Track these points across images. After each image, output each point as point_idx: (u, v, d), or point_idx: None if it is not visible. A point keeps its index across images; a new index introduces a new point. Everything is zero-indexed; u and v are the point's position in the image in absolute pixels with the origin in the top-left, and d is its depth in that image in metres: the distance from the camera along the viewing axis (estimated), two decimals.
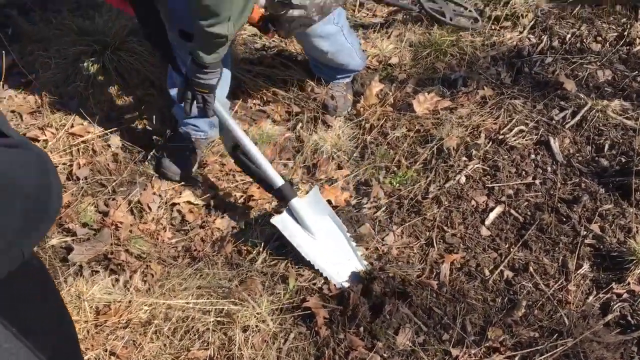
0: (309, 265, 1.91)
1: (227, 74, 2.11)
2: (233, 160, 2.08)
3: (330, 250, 1.93)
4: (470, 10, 2.81)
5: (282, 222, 1.92)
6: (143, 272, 1.98)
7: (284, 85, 2.54)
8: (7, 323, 0.81)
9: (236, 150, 1.99)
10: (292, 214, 1.94)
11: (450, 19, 2.70)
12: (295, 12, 1.86)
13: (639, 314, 1.74)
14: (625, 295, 1.78)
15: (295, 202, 1.93)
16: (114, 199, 2.18)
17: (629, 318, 1.73)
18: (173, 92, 2.17)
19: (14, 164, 0.68)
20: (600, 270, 1.86)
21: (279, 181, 1.92)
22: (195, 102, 1.92)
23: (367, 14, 2.97)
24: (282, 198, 1.97)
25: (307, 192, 2.15)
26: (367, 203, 2.15)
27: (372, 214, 2.10)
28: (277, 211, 2.06)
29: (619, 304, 1.76)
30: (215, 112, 1.95)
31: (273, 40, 2.69)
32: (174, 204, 2.20)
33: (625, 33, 2.66)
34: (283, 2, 1.85)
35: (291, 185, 1.98)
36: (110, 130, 2.35)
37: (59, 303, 1.03)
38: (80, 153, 2.29)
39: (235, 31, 1.75)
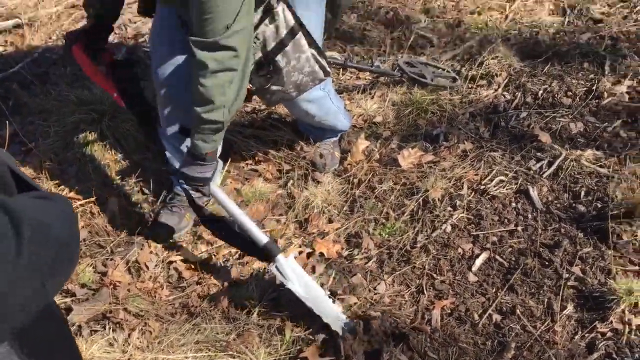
0: (306, 313, 1.96)
1: None
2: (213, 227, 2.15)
3: (324, 298, 1.98)
4: (448, 71, 2.98)
5: (279, 268, 1.96)
6: (141, 330, 2.02)
7: (275, 146, 2.66)
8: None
9: (211, 222, 2.09)
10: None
11: (431, 80, 2.87)
12: (274, 87, 2.00)
13: (624, 352, 1.80)
14: (609, 334, 1.85)
15: (281, 258, 1.99)
16: (112, 259, 2.24)
17: (614, 356, 1.80)
18: (168, 155, 2.28)
19: (50, 215, 0.77)
20: (584, 311, 1.93)
21: (263, 238, 1.96)
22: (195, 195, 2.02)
23: (351, 77, 3.14)
24: (270, 253, 1.98)
25: (299, 246, 2.24)
26: (358, 254, 2.23)
27: (364, 264, 2.18)
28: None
29: (604, 342, 1.83)
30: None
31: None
32: (170, 262, 2.27)
33: (594, 87, 2.84)
34: (266, 76, 1.98)
35: (275, 243, 2.03)
36: (108, 193, 2.44)
37: (77, 353, 1.09)
38: (79, 216, 2.36)
39: (231, 116, 1.86)
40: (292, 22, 1.91)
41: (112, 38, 3.19)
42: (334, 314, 1.95)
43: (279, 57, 1.94)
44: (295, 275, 1.97)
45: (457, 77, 2.97)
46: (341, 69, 3.14)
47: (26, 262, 0.69)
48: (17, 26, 3.22)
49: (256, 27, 1.87)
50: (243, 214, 2.00)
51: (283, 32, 1.91)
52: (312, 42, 1.96)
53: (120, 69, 2.13)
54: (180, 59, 2.07)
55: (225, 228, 2.07)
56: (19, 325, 0.72)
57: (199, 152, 1.91)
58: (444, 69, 2.99)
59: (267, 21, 1.90)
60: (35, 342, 0.88)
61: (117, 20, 2.15)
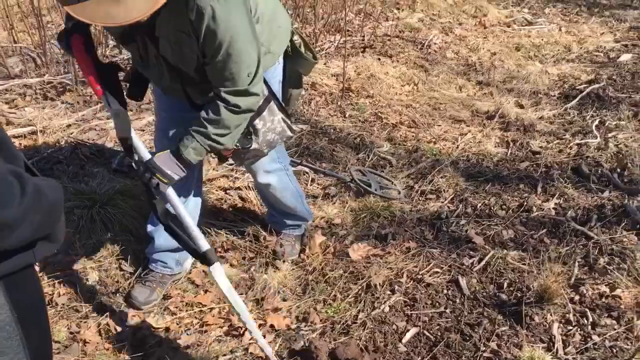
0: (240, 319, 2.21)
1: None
2: (164, 227, 2.22)
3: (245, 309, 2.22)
4: (394, 184, 3.43)
5: (215, 272, 2.15)
6: None
7: (242, 236, 3.02)
8: (14, 307, 1.19)
9: (167, 219, 2.17)
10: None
11: (376, 190, 3.31)
12: (252, 146, 2.35)
13: None
14: None
15: (218, 267, 2.16)
16: (85, 322, 2.51)
17: None
18: (150, 229, 2.64)
19: (45, 186, 1.14)
20: None
21: (204, 245, 2.15)
22: (147, 183, 2.13)
23: (317, 187, 3.57)
24: (207, 260, 2.15)
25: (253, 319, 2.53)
26: (304, 327, 2.51)
27: (308, 334, 2.45)
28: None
29: None
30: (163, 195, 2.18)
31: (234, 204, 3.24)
32: (137, 328, 2.53)
33: (525, 203, 3.27)
34: (247, 137, 2.35)
35: (214, 251, 2.23)
36: (91, 267, 2.76)
37: (45, 315, 1.38)
38: (62, 285, 2.66)
39: (232, 145, 2.20)
40: (266, 92, 2.30)
41: (114, 145, 3.69)
42: (250, 322, 2.20)
43: (257, 121, 2.30)
44: (224, 280, 2.18)
45: (400, 190, 3.40)
46: (309, 180, 3.58)
47: (28, 205, 1.05)
48: (32, 132, 3.72)
49: None
50: (190, 219, 2.17)
51: (260, 100, 2.27)
52: (280, 107, 2.38)
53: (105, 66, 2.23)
54: (175, 123, 2.40)
55: (175, 224, 2.17)
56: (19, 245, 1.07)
57: (184, 156, 2.10)
58: (390, 181, 3.44)
59: None
60: (17, 291, 1.21)
61: None
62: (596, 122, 4.22)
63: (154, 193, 2.15)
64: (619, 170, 3.52)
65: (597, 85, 4.90)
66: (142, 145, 2.17)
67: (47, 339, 1.40)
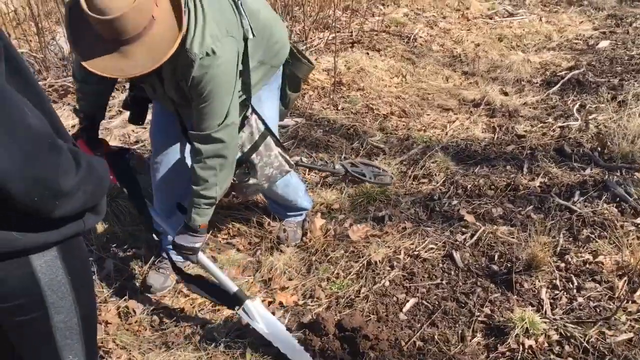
0: (265, 344, 2.38)
1: None
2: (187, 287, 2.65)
3: (284, 333, 2.41)
4: (385, 171, 3.61)
5: (246, 311, 2.41)
6: (126, 358, 2.42)
7: (247, 223, 3.19)
8: (67, 271, 1.36)
9: (189, 280, 2.52)
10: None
11: (370, 178, 3.49)
12: (251, 181, 2.55)
13: None
14: (507, 353, 2.29)
15: (249, 303, 2.42)
16: (105, 306, 2.67)
17: None
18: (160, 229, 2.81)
19: (95, 161, 1.31)
20: (489, 338, 2.39)
21: (233, 287, 2.42)
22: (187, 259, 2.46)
23: (316, 176, 3.75)
24: (238, 300, 2.41)
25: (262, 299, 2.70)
26: (311, 303, 2.69)
27: (315, 309, 2.63)
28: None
29: (503, 359, 2.27)
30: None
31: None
32: (154, 310, 2.70)
33: (512, 182, 3.46)
34: (244, 171, 2.55)
35: (243, 292, 2.46)
36: (106, 256, 2.92)
37: (92, 282, 1.55)
38: None
39: (222, 194, 2.38)
40: (262, 128, 2.49)
41: (117, 143, 3.85)
42: (291, 345, 2.38)
43: (253, 156, 2.49)
44: (259, 316, 2.43)
45: (392, 175, 3.58)
46: (307, 170, 3.75)
47: (82, 177, 1.22)
48: None
49: None
50: (219, 270, 2.48)
51: (256, 136, 2.47)
52: (277, 142, 2.55)
53: (114, 155, 2.52)
54: (174, 147, 2.64)
55: (200, 285, 2.51)
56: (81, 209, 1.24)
57: (193, 225, 2.33)
58: (381, 169, 3.62)
59: (244, 129, 2.50)
60: (70, 256, 1.37)
61: (102, 119, 2.61)
62: (577, 106, 4.42)
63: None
64: (599, 149, 3.72)
65: (577, 72, 5.11)
66: (165, 225, 2.53)
67: (93, 304, 1.56)
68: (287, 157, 2.62)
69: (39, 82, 4.34)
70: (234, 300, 2.42)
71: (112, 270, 2.87)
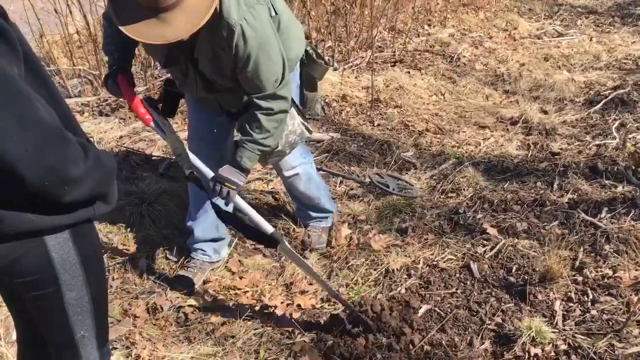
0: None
1: None
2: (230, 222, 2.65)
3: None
4: (411, 185, 3.68)
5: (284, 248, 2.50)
6: (150, 349, 2.58)
7: (276, 230, 3.32)
8: (78, 253, 1.52)
9: (228, 219, 2.59)
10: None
11: (394, 190, 3.56)
12: (277, 147, 2.66)
13: None
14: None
15: (283, 245, 2.49)
16: (136, 301, 2.86)
17: None
18: (190, 223, 2.99)
19: (104, 155, 1.47)
20: (497, 345, 2.42)
21: (269, 229, 2.49)
22: (219, 194, 2.46)
23: (346, 188, 3.85)
24: (274, 240, 2.47)
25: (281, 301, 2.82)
26: (328, 306, 2.79)
27: (331, 311, 2.73)
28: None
29: None
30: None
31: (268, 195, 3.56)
32: (180, 307, 2.86)
33: (539, 198, 3.46)
34: None
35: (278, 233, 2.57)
36: (140, 256, 3.12)
37: (102, 267, 1.71)
38: (116, 270, 3.03)
39: (275, 145, 2.53)
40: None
41: (160, 153, 4.09)
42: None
43: None
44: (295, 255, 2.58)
45: (417, 190, 3.64)
46: (338, 182, 3.87)
47: (90, 165, 1.39)
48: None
49: None
50: (254, 212, 2.52)
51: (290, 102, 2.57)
52: (299, 111, 2.70)
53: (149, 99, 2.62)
54: (205, 124, 2.76)
55: (238, 224, 2.62)
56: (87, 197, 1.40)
57: (243, 165, 2.44)
58: (408, 183, 3.69)
59: None
60: (81, 240, 1.54)
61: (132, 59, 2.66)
62: (616, 124, 4.36)
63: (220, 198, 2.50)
64: (633, 167, 3.67)
65: (622, 91, 5.03)
66: (202, 164, 2.49)
67: (103, 289, 1.72)
68: (307, 125, 2.74)
69: (94, 97, 4.68)
70: (271, 241, 2.49)
71: (145, 269, 3.06)
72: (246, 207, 2.52)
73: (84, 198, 1.44)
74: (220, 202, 2.55)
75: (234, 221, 2.63)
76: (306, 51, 2.75)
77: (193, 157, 2.47)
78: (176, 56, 2.41)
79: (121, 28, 2.08)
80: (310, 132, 2.76)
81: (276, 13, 2.44)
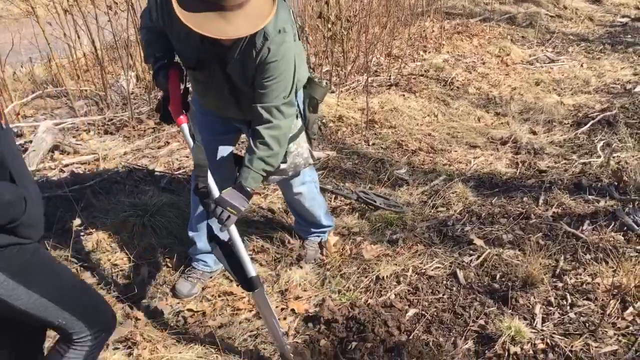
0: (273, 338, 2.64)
1: None
2: (217, 250, 2.56)
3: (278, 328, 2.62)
4: (395, 201, 3.83)
5: (259, 295, 2.53)
6: (151, 349, 2.71)
7: (270, 241, 3.47)
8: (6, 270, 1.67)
9: (219, 244, 2.53)
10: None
11: (380, 204, 3.72)
12: (281, 166, 2.74)
13: None
14: (494, 359, 2.45)
15: (260, 292, 2.53)
16: (137, 305, 2.99)
17: None
18: (191, 234, 3.14)
19: (8, 190, 1.61)
20: (479, 345, 2.54)
21: (253, 272, 2.51)
22: (218, 217, 2.43)
23: (341, 203, 4.01)
24: (252, 285, 2.49)
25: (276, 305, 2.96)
26: (320, 311, 2.92)
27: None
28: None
29: None
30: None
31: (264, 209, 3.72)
32: (180, 311, 3.00)
33: (525, 211, 3.62)
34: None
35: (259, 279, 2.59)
36: (142, 263, 3.27)
37: (49, 275, 1.83)
38: (119, 277, 3.17)
39: (277, 165, 2.61)
40: (300, 123, 2.78)
41: (162, 169, 4.26)
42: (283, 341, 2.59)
43: (291, 144, 2.74)
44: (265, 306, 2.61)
45: (401, 205, 3.80)
46: (333, 197, 4.03)
47: None
48: (96, 159, 4.32)
49: None
50: (244, 249, 2.53)
51: (296, 129, 2.73)
52: (308, 138, 2.84)
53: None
54: (215, 142, 2.87)
55: (225, 254, 2.52)
56: None
57: (247, 186, 2.46)
58: (391, 200, 3.85)
59: None
60: (7, 263, 1.67)
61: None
62: (601, 144, 4.54)
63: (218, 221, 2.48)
64: (615, 183, 3.83)
65: (609, 113, 5.22)
66: (214, 183, 2.51)
67: (62, 290, 1.84)
68: (312, 152, 2.88)
69: (100, 116, 4.86)
70: (249, 283, 2.50)
71: (146, 276, 3.20)
72: (238, 240, 2.49)
73: None
74: (215, 225, 2.58)
75: (222, 249, 2.54)
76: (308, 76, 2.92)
77: (209, 174, 2.49)
78: (207, 58, 2.51)
79: (180, 17, 2.19)
80: (314, 159, 2.90)
81: (297, 39, 2.61)
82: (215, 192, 2.50)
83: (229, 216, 2.43)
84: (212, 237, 2.56)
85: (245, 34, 2.26)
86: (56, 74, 5.65)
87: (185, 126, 2.53)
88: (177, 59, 2.66)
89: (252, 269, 2.51)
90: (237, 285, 2.67)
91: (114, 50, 5.94)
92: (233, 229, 2.50)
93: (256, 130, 2.52)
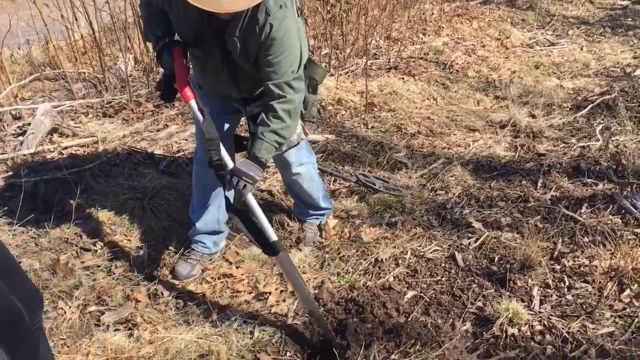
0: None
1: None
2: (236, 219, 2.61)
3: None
4: (395, 185, 3.83)
5: (283, 257, 2.55)
6: (151, 330, 2.73)
7: (269, 223, 3.47)
8: None
9: (235, 213, 2.59)
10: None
11: (380, 187, 3.73)
12: None
13: (500, 349, 2.41)
14: (491, 340, 2.47)
15: (283, 255, 2.57)
16: (137, 287, 3.01)
17: (492, 352, 2.40)
18: (192, 215, 3.14)
19: None
20: (477, 326, 2.56)
21: (274, 236, 2.54)
22: (235, 187, 2.48)
23: (340, 186, 4.02)
24: (275, 249, 2.52)
25: (275, 288, 2.98)
26: (319, 292, 2.94)
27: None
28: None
29: (486, 344, 2.44)
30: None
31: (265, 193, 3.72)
32: (179, 293, 3.01)
33: (523, 195, 3.63)
34: None
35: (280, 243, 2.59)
36: (142, 246, 3.28)
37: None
38: (119, 259, 3.18)
39: (291, 137, 2.64)
40: None
41: (161, 152, 4.26)
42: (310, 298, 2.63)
43: None
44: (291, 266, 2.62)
45: (400, 189, 3.80)
46: (332, 180, 4.03)
47: None
48: (94, 142, 4.32)
49: None
50: (263, 215, 2.55)
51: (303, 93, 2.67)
52: (301, 116, 2.85)
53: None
54: (216, 119, 2.88)
55: (244, 221, 2.58)
56: None
57: (261, 157, 2.49)
58: (391, 183, 3.86)
59: None
60: None
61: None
62: (600, 128, 4.54)
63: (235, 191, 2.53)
64: (614, 166, 3.83)
65: (608, 97, 5.21)
66: (227, 155, 2.54)
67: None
68: (304, 127, 2.88)
69: (98, 99, 4.84)
70: (271, 247, 2.53)
71: (146, 258, 3.21)
72: (257, 208, 2.53)
73: None
74: (232, 196, 2.62)
75: (241, 217, 2.61)
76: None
77: (222, 149, 2.53)
78: (205, 35, 2.51)
79: None
80: (306, 134, 2.92)
81: (299, 15, 2.59)
82: (230, 163, 2.54)
83: (245, 185, 2.48)
84: (230, 208, 2.62)
85: (242, 8, 2.26)
86: (54, 56, 5.63)
87: (193, 102, 2.54)
88: (177, 37, 2.65)
89: (273, 234, 2.54)
90: (262, 251, 2.63)
91: (112, 33, 5.91)
92: (250, 197, 2.53)
93: (269, 105, 2.52)
